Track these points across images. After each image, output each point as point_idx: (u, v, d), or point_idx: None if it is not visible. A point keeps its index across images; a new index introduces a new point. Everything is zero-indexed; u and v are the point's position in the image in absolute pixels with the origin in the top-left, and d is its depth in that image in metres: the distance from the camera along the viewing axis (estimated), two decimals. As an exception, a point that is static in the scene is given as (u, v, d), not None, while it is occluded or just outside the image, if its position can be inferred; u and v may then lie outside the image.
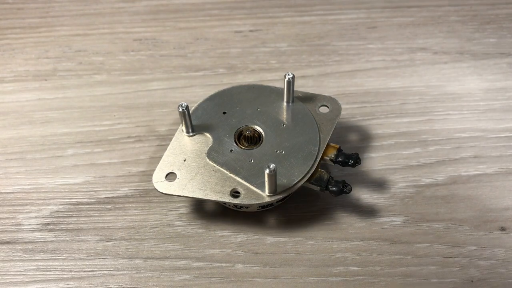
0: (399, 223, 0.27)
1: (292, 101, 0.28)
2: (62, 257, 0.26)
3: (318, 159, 0.25)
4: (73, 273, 0.25)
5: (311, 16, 0.38)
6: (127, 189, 0.28)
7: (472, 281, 0.24)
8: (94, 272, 0.25)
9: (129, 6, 0.40)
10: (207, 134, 0.27)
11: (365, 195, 0.28)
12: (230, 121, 0.27)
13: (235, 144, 0.26)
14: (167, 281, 0.25)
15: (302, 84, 0.30)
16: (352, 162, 0.25)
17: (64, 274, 0.25)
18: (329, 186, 0.25)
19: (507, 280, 0.24)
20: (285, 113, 0.27)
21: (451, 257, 0.25)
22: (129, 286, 0.25)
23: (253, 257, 0.26)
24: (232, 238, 0.26)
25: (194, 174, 0.25)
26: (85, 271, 0.25)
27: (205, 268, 0.25)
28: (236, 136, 0.27)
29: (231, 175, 0.25)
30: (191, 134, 0.27)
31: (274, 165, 0.22)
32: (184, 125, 0.27)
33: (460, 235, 0.26)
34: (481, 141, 0.30)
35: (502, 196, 0.27)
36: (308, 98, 0.28)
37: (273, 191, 0.24)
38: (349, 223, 0.27)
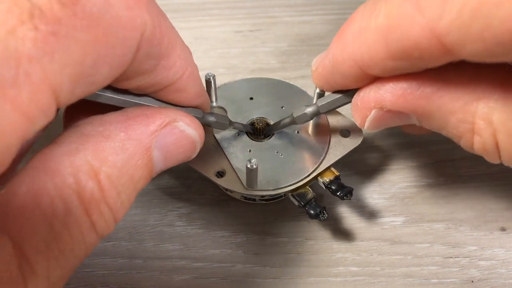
0: (399, 223, 0.27)
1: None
2: (62, 257, 0.26)
3: (310, 178, 0.25)
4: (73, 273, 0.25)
5: (311, 16, 0.38)
6: (127, 189, 0.28)
7: (472, 281, 0.24)
8: (94, 272, 0.25)
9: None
10: (225, 111, 0.27)
11: (365, 195, 0.28)
12: (251, 108, 0.28)
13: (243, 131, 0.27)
14: (167, 281, 0.25)
15: (302, 84, 0.30)
16: (341, 194, 0.24)
17: (64, 274, 0.25)
18: (307, 207, 0.24)
19: (508, 280, 0.24)
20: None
21: (451, 257, 0.25)
22: (129, 286, 0.25)
23: (253, 257, 0.26)
24: (232, 238, 0.26)
25: None
26: (85, 271, 0.25)
27: (205, 268, 0.25)
28: (248, 124, 0.27)
29: (225, 156, 0.25)
30: (214, 105, 0.27)
31: (255, 160, 0.22)
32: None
33: (460, 235, 0.26)
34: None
35: (502, 196, 0.27)
36: (338, 117, 0.27)
37: (252, 186, 0.24)
38: (349, 223, 0.27)
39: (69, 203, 0.16)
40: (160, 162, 0.19)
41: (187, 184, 0.28)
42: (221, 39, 0.37)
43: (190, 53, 0.20)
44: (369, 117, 0.21)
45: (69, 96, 0.15)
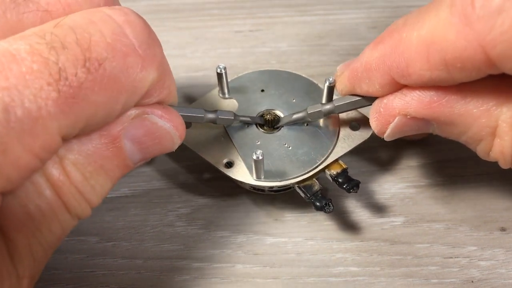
0: (399, 223, 0.27)
1: None
2: (62, 257, 0.26)
3: (317, 170, 0.25)
4: (73, 273, 0.25)
5: (311, 16, 0.38)
6: (127, 189, 0.28)
7: (472, 281, 0.24)
8: (94, 272, 0.25)
9: (129, 6, 0.39)
10: (236, 103, 0.27)
11: (365, 195, 0.28)
12: (262, 101, 0.28)
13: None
14: (167, 281, 0.25)
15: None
16: (348, 187, 0.24)
17: (65, 274, 0.25)
18: (313, 199, 0.24)
19: (508, 280, 0.24)
20: None
21: (451, 258, 0.25)
22: (129, 286, 0.25)
23: (253, 257, 0.26)
24: (232, 238, 0.26)
25: (206, 131, 0.26)
26: (85, 271, 0.25)
27: (205, 268, 0.25)
28: (257, 116, 0.27)
29: (234, 147, 0.25)
30: (226, 96, 0.28)
31: (261, 151, 0.23)
32: (219, 87, 0.28)
33: (460, 235, 0.26)
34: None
35: (502, 196, 0.27)
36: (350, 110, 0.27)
37: (259, 177, 0.24)
38: (349, 223, 0.27)
39: (39, 186, 0.17)
40: (136, 153, 0.20)
41: (187, 184, 0.28)
42: (221, 39, 0.37)
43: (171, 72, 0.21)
44: (392, 124, 0.21)
45: (74, 134, 0.17)
